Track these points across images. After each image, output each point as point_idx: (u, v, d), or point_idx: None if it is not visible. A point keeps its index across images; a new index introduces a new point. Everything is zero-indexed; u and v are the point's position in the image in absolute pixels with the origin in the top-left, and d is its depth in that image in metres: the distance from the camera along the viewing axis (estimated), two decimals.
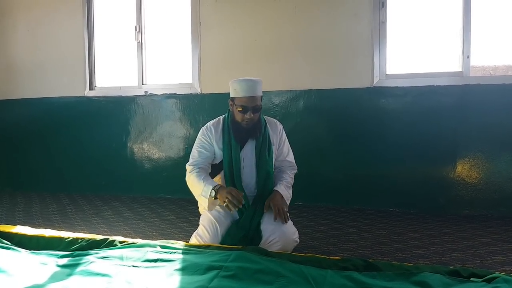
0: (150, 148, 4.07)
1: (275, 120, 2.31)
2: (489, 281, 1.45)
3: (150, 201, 3.70)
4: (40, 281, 1.52)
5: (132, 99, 4.10)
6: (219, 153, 2.17)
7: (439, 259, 2.08)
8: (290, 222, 2.06)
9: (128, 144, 4.14)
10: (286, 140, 2.29)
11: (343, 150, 3.42)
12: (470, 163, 3.09)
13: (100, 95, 4.24)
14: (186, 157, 3.96)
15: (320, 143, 3.45)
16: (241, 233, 2.04)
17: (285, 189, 2.15)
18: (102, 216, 3.17)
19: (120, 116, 4.15)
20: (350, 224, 2.77)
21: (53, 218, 3.17)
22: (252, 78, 2.12)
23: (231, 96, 2.14)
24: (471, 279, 1.50)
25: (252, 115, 2.07)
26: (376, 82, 3.32)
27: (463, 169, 3.10)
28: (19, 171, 4.54)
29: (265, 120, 2.23)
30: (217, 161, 2.21)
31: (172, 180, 3.94)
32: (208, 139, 2.19)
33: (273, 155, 2.20)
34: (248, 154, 2.16)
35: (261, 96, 2.14)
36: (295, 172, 2.28)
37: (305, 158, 2.95)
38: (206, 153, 2.17)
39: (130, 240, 2.02)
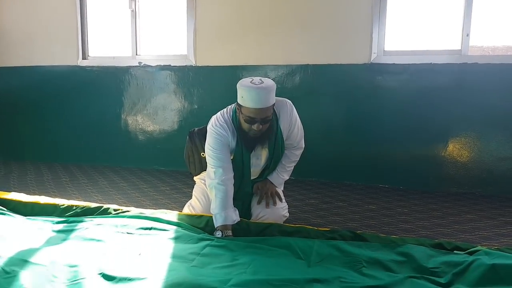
0: (144, 120, 4.07)
1: (284, 101, 1.97)
2: (471, 253, 1.51)
3: (145, 173, 3.73)
4: (36, 245, 1.56)
5: (126, 70, 4.06)
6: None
7: (424, 233, 2.15)
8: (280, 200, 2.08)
9: (122, 116, 4.13)
10: (298, 121, 2.01)
11: (336, 126, 3.44)
12: (461, 143, 3.14)
13: (93, 64, 4.19)
14: (180, 130, 4.00)
15: (314, 119, 3.47)
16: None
17: (276, 175, 2.10)
18: (96, 186, 3.21)
19: (113, 87, 4.12)
20: (340, 199, 2.84)
21: (48, 187, 3.20)
22: (264, 84, 1.74)
23: (238, 101, 1.82)
24: (454, 251, 1.56)
25: (261, 126, 1.78)
26: (374, 58, 3.32)
27: (454, 148, 3.15)
28: (13, 140, 4.53)
29: (275, 112, 1.90)
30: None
31: (166, 153, 3.97)
32: (224, 138, 1.87)
33: (284, 143, 2.00)
34: (258, 155, 1.99)
35: (273, 104, 1.81)
36: (301, 151, 2.14)
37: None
38: (227, 153, 1.89)
39: (124, 209, 2.07)
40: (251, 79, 1.79)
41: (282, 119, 1.94)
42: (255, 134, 1.82)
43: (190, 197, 2.24)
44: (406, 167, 3.25)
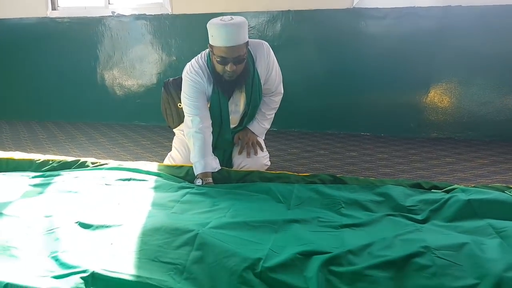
0: (121, 74, 3.92)
1: (261, 43, 1.90)
2: (448, 192, 1.54)
3: (124, 128, 3.66)
4: (11, 198, 1.52)
5: (99, 20, 3.85)
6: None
7: (403, 176, 2.19)
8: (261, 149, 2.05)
9: (98, 70, 3.97)
10: (275, 63, 1.94)
11: (318, 75, 3.38)
12: (443, 88, 3.13)
13: (64, 15, 3.95)
14: (159, 84, 3.87)
15: (296, 68, 3.39)
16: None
17: (257, 124, 2.05)
18: (75, 142, 3.14)
19: (86, 39, 3.92)
20: (322, 147, 2.84)
21: (24, 144, 3.11)
22: (234, 20, 1.66)
23: (209, 42, 1.74)
24: (432, 190, 1.59)
25: (235, 67, 1.70)
26: (357, 2, 3.20)
27: (436, 94, 3.15)
28: None
29: (251, 53, 1.84)
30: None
31: (146, 107, 3.87)
32: (199, 85, 1.81)
33: (262, 89, 1.94)
34: (236, 101, 1.93)
35: (246, 42, 1.73)
36: (281, 97, 2.09)
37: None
38: (204, 101, 1.84)
39: (102, 161, 2.03)
40: (221, 18, 1.70)
41: (259, 61, 1.85)
42: (231, 77, 1.75)
43: (171, 150, 2.20)
44: (387, 115, 3.26)
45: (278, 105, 2.11)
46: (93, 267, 0.99)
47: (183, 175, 1.83)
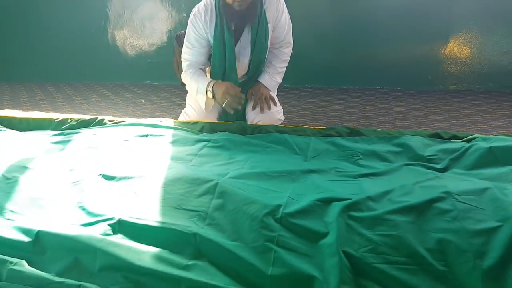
0: (132, 34, 3.87)
1: None
2: (468, 141, 1.51)
3: (137, 88, 3.66)
4: (34, 154, 1.55)
5: None
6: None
7: (421, 129, 2.15)
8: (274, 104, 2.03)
9: (108, 30, 3.92)
10: (285, 10, 1.94)
11: (332, 29, 3.28)
12: (462, 38, 3.01)
13: None
14: (169, 42, 3.80)
15: (309, 23, 3.28)
16: (232, 119, 2.02)
17: (269, 78, 2.03)
18: (90, 102, 3.16)
19: None
20: (336, 102, 2.81)
21: (41, 105, 3.15)
22: None
23: None
24: (452, 140, 1.56)
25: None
26: None
27: (455, 44, 3.03)
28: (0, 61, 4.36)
29: None
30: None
31: (158, 66, 3.85)
32: (200, 30, 1.86)
33: (269, 36, 1.93)
34: (244, 44, 1.91)
35: None
36: (291, 48, 2.07)
37: (295, 39, 2.82)
38: (201, 49, 1.90)
39: (119, 119, 2.04)
40: None
41: (268, 4, 1.86)
42: (241, 4, 1.73)
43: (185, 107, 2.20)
44: (404, 67, 3.17)
45: (288, 58, 2.07)
46: (119, 215, 1.02)
47: (198, 130, 1.83)
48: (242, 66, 1.97)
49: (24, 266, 0.90)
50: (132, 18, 3.80)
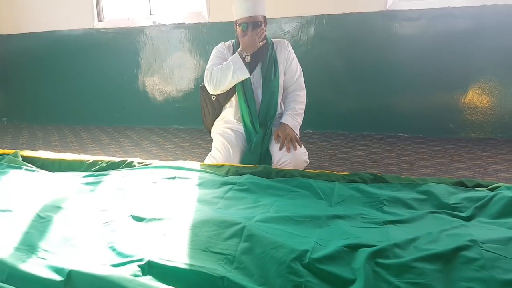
0: (161, 80, 4.06)
1: (283, 40, 2.26)
2: (492, 190, 1.49)
3: (164, 131, 3.77)
4: (67, 194, 1.61)
5: (141, 30, 4.01)
6: None
7: (445, 176, 2.13)
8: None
9: (139, 76, 4.12)
10: (295, 57, 2.23)
11: (353, 77, 3.36)
12: (482, 87, 3.03)
13: (109, 26, 4.15)
14: (196, 88, 3.96)
15: (331, 70, 3.39)
16: (255, 158, 2.10)
17: (291, 119, 2.16)
18: (118, 145, 3.27)
19: (129, 48, 4.09)
20: (358, 148, 2.82)
21: (71, 147, 3.27)
22: None
23: (234, 19, 2.09)
24: (476, 188, 1.54)
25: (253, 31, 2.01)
26: (390, 5, 3.17)
27: (475, 93, 3.05)
28: (35, 104, 4.61)
29: (272, 42, 2.18)
30: None
31: (184, 111, 3.98)
32: (221, 52, 2.18)
33: (280, 75, 2.17)
34: (256, 77, 2.15)
35: (264, 16, 2.07)
36: (304, 92, 2.25)
37: (315, 86, 2.92)
38: (222, 62, 2.13)
39: (147, 162, 2.10)
40: None
41: (279, 50, 2.16)
42: (261, 42, 2.03)
43: (209, 151, 2.25)
44: (425, 115, 3.19)
45: (304, 100, 2.23)
46: (148, 256, 1.04)
47: (224, 173, 1.86)
48: (257, 96, 2.17)
49: None
50: (162, 66, 4.01)
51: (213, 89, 2.11)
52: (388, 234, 1.15)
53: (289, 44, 2.23)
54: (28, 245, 1.17)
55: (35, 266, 1.04)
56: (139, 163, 2.09)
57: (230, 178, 1.75)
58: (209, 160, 2.18)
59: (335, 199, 1.50)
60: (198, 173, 1.83)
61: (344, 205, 1.45)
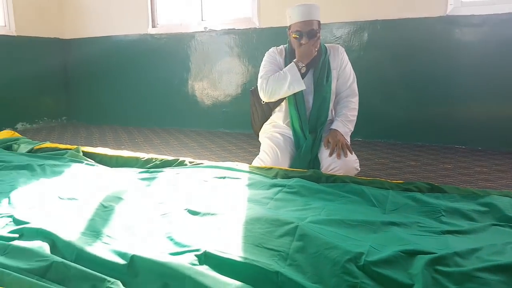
0: (209, 85, 4.19)
1: (337, 45, 2.26)
2: None
3: (211, 135, 3.89)
4: (126, 187, 1.72)
5: (192, 36, 4.18)
6: None
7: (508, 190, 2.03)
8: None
9: (189, 81, 4.29)
10: (349, 63, 2.22)
11: (407, 85, 3.29)
12: None
13: (162, 32, 4.36)
14: (244, 93, 4.06)
15: (383, 78, 3.34)
16: (304, 165, 2.11)
17: (343, 126, 2.15)
18: (168, 146, 3.41)
19: (181, 53, 4.27)
20: (412, 158, 2.75)
21: (125, 146, 3.46)
22: (307, 3, 2.07)
23: (288, 24, 2.11)
24: None
25: (308, 40, 2.02)
26: (450, 10, 3.08)
27: None
28: (92, 106, 4.93)
29: (325, 47, 2.19)
30: None
31: (231, 115, 4.08)
32: (273, 58, 2.20)
33: (333, 81, 2.17)
34: (308, 83, 2.15)
35: (318, 21, 2.07)
36: (357, 98, 2.23)
37: (366, 93, 2.89)
38: (274, 67, 2.16)
39: (198, 161, 2.19)
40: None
41: (332, 55, 2.17)
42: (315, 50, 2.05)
43: (256, 156, 2.30)
44: (486, 127, 3.05)
45: (357, 107, 2.22)
46: (205, 247, 1.09)
47: (273, 176, 1.90)
48: (307, 102, 2.18)
49: (119, 285, 0.99)
50: (211, 71, 4.15)
51: (267, 98, 2.16)
52: (447, 243, 1.13)
53: (343, 49, 2.23)
54: (93, 231, 1.27)
55: (100, 250, 1.13)
56: (190, 162, 2.19)
57: (279, 180, 1.78)
58: (257, 162, 2.22)
59: (389, 206, 1.48)
60: (247, 174, 1.89)
61: (399, 213, 1.43)
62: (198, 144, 3.44)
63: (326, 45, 2.21)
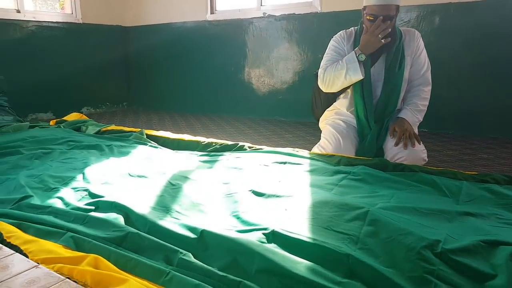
0: (266, 72, 4.21)
1: (413, 30, 2.12)
2: None
3: (267, 122, 3.92)
4: (190, 169, 1.80)
5: (251, 22, 4.21)
6: None
7: None
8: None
9: (246, 68, 4.34)
10: (424, 49, 2.10)
11: (481, 73, 3.10)
12: None
13: (220, 18, 4.44)
14: (302, 81, 4.04)
15: (454, 66, 3.17)
16: (370, 155, 2.06)
17: (411, 115, 2.05)
18: (225, 132, 3.49)
19: (238, 39, 4.33)
20: (484, 151, 2.60)
21: (184, 132, 3.59)
22: None
23: (364, 4, 2.02)
24: None
25: (378, 27, 1.92)
26: None
27: None
28: (151, 92, 5.15)
29: (400, 31, 2.08)
30: None
31: (287, 103, 4.09)
32: (339, 43, 2.13)
33: (406, 68, 2.07)
34: (378, 69, 2.08)
35: (398, 6, 1.96)
36: (430, 87, 2.12)
37: (435, 82, 2.75)
38: (339, 58, 2.09)
39: (258, 146, 2.23)
40: None
41: (408, 41, 2.06)
42: (385, 40, 1.95)
43: (314, 144, 2.28)
44: None
45: (428, 97, 2.11)
46: (272, 226, 1.12)
47: (335, 163, 1.89)
48: (375, 90, 2.09)
49: (191, 257, 1.04)
50: (268, 58, 4.16)
51: (326, 88, 2.12)
52: None
53: (420, 34, 2.10)
54: (163, 206, 1.35)
55: (170, 224, 1.20)
56: (249, 147, 2.24)
57: (343, 167, 1.77)
58: (317, 150, 2.21)
59: (463, 197, 1.42)
60: (308, 160, 1.89)
61: (474, 204, 1.37)
62: (253, 131, 3.49)
63: (401, 29, 2.10)
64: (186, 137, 2.49)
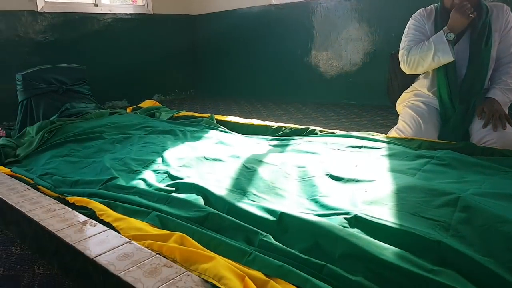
0: (334, 54, 4.11)
1: (502, 4, 1.95)
2: None
3: (335, 106, 3.84)
4: (260, 152, 1.81)
5: (318, 3, 4.11)
6: None
7: None
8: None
9: (313, 51, 4.26)
10: None
11: None
12: None
13: (286, 1, 4.39)
14: (372, 62, 3.88)
15: None
16: (454, 139, 1.93)
17: (501, 94, 1.89)
18: (292, 117, 3.48)
19: (305, 22, 4.25)
20: None
21: (251, 117, 3.63)
22: None
23: None
24: None
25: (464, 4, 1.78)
26: None
27: None
28: (217, 79, 5.27)
29: (487, 6, 1.92)
30: None
31: (357, 86, 3.96)
32: (420, 22, 2.02)
33: (493, 44, 1.90)
34: (462, 47, 1.93)
35: None
36: None
37: None
38: (419, 36, 1.99)
39: (330, 130, 2.19)
40: None
41: (495, 16, 1.90)
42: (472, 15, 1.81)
43: (389, 128, 2.19)
44: None
45: None
46: (354, 211, 1.10)
47: (416, 147, 1.80)
48: (460, 69, 1.96)
49: (271, 239, 1.05)
50: (337, 39, 4.05)
51: (410, 70, 2.01)
52: None
53: (509, 8, 1.93)
54: (240, 189, 1.38)
55: (248, 206, 1.22)
56: (321, 131, 2.20)
57: (425, 151, 1.68)
58: (394, 133, 2.12)
59: None
60: (386, 144, 1.83)
61: None
62: (322, 116, 3.44)
63: (488, 4, 1.94)
64: (255, 121, 2.51)
